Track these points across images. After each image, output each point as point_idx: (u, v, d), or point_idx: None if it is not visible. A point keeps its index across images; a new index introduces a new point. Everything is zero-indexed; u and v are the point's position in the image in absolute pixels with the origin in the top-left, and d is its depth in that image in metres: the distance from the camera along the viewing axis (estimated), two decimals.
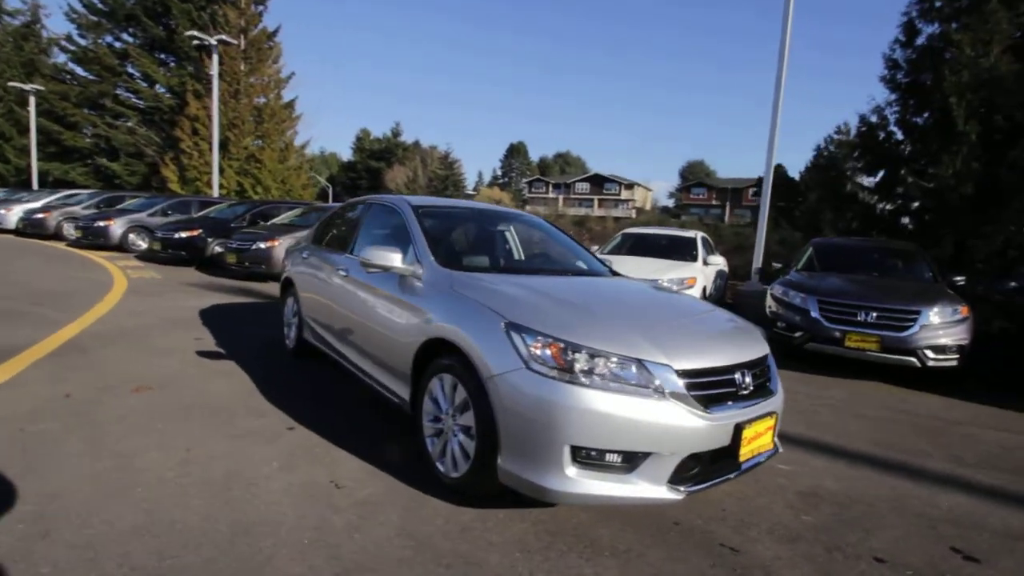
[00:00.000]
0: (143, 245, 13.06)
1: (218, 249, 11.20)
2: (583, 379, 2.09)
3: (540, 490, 2.11)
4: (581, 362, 2.12)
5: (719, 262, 8.10)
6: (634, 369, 2.13)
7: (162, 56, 25.27)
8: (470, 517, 2.33)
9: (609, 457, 2.10)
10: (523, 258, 3.87)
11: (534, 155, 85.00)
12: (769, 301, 6.28)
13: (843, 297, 5.51)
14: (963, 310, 5.28)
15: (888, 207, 11.85)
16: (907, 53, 11.64)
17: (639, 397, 2.09)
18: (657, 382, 2.13)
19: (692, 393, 2.17)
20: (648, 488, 2.10)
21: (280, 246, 9.68)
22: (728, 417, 2.21)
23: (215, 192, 19.69)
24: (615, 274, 3.74)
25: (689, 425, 2.11)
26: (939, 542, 2.40)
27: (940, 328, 5.13)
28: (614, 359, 2.13)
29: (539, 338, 2.19)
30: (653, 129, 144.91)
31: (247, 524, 2.17)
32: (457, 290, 2.72)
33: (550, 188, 68.79)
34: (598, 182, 65.64)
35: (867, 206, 12.13)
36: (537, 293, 2.65)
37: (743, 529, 2.38)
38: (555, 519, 2.35)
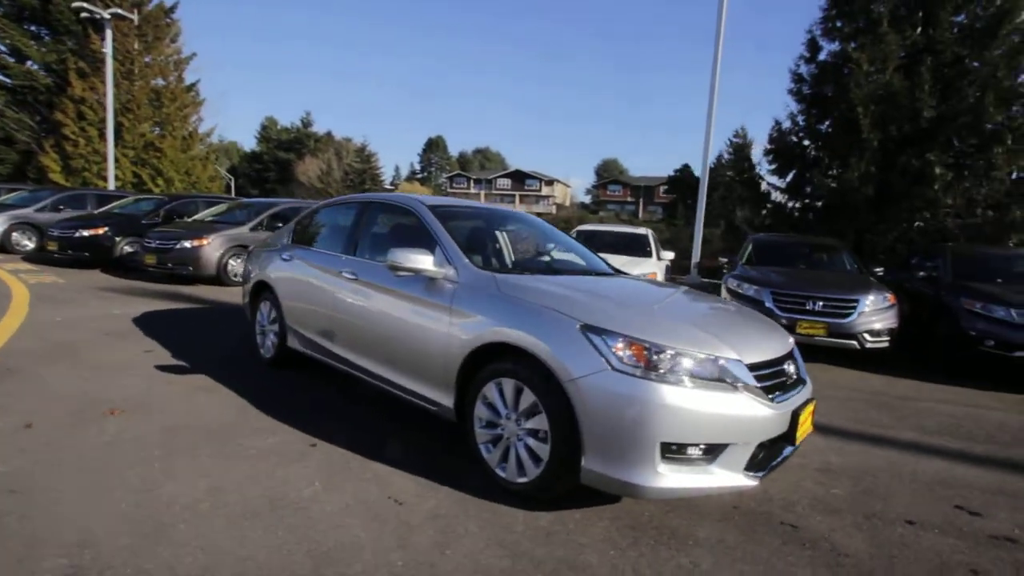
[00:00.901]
0: (30, 245, 11.42)
1: (129, 249, 10.06)
2: (669, 377, 2.16)
3: (632, 488, 2.15)
4: (665, 361, 2.18)
5: (668, 256, 8.57)
6: (712, 365, 2.23)
7: (34, 28, 21.93)
8: (548, 521, 2.32)
9: (691, 451, 2.18)
10: (544, 258, 3.86)
11: (453, 150, 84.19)
12: (724, 294, 6.74)
13: (794, 288, 6.06)
14: (891, 298, 6.01)
15: (796, 205, 13.12)
16: (811, 68, 12.94)
17: (719, 391, 2.19)
18: (732, 376, 2.24)
19: (760, 385, 2.30)
20: (728, 476, 2.21)
21: (210, 245, 8.89)
22: (787, 404, 2.38)
23: (110, 184, 17.55)
24: (619, 272, 3.85)
25: (761, 415, 2.24)
26: (943, 502, 2.75)
27: (874, 314, 5.81)
28: (694, 357, 2.22)
29: (620, 340, 2.22)
30: (570, 127, 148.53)
31: (324, 552, 2.01)
32: (506, 292, 2.67)
33: (471, 183, 68.47)
34: (519, 178, 66.30)
35: (779, 204, 13.39)
36: (588, 294, 2.68)
37: (791, 507, 2.58)
38: (629, 514, 2.40)
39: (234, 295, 7.96)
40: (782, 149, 13.11)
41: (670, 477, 2.14)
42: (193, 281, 8.97)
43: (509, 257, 3.68)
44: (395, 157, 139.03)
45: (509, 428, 2.51)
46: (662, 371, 2.16)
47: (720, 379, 2.22)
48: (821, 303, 5.86)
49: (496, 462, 2.57)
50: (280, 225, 10.07)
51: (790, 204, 13.02)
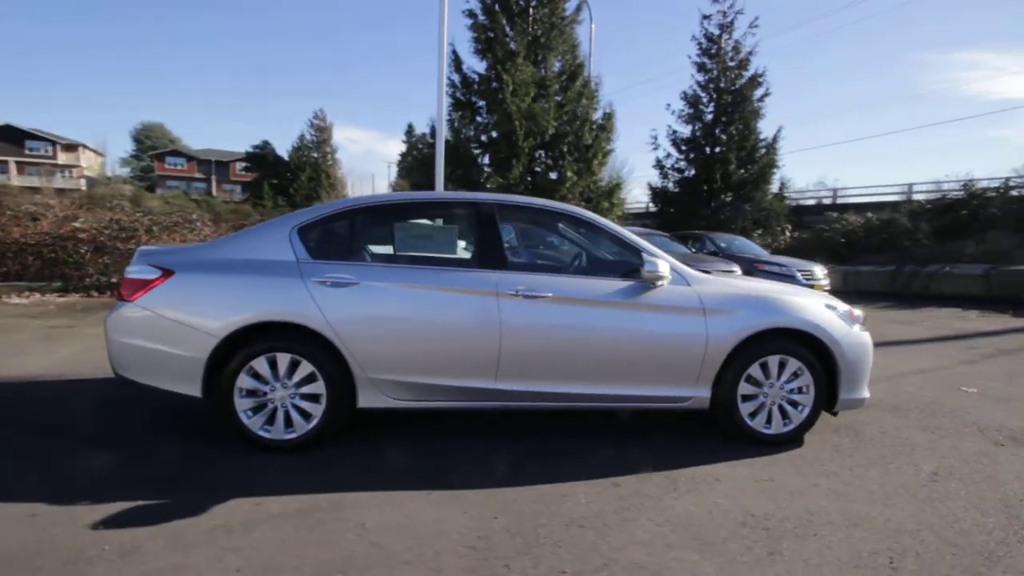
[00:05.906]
0: None
1: None
2: (864, 327, 3.44)
3: (861, 402, 3.33)
4: (859, 317, 3.44)
5: None
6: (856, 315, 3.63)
7: None
8: (816, 446, 3.22)
9: None
10: None
11: None
12: None
13: None
14: None
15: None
16: (458, 77, 15.38)
17: None
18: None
19: None
20: None
21: None
22: None
23: None
24: None
25: None
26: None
27: None
28: (855, 312, 3.56)
29: (847, 309, 3.34)
30: (80, 78, 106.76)
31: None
32: (733, 289, 3.27)
33: None
34: (15, 138, 44.40)
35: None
36: (755, 283, 3.58)
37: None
38: (826, 429, 3.55)
39: None
40: (450, 148, 15.14)
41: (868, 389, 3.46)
42: None
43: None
44: None
45: (772, 393, 3.20)
46: (861, 324, 3.42)
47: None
48: None
49: (761, 425, 3.21)
50: None
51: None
